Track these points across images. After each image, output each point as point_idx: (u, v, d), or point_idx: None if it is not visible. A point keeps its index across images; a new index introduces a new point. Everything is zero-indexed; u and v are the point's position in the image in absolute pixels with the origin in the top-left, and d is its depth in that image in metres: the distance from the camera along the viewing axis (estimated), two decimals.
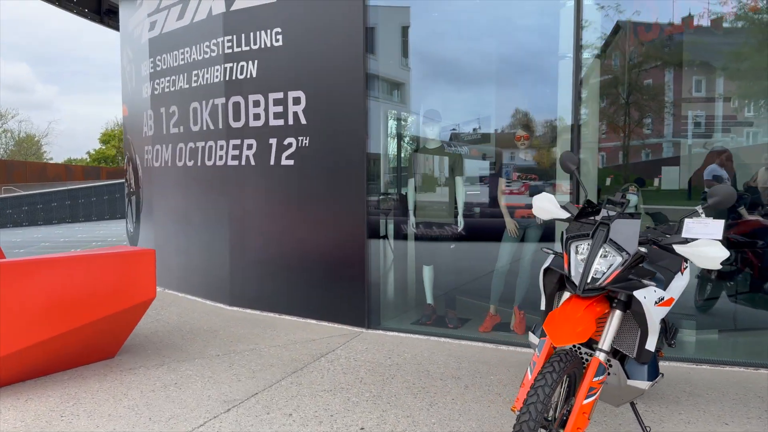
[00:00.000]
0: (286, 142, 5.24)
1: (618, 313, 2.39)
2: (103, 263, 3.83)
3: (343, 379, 3.74)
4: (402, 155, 5.76)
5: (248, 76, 5.44)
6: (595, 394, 2.26)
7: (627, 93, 5.48)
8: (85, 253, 3.84)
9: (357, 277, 4.95)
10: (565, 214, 2.63)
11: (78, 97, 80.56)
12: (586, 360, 2.50)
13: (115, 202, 21.65)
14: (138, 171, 7.71)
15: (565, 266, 2.42)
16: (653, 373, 2.54)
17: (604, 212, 2.47)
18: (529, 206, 4.80)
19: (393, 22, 5.41)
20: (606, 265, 2.33)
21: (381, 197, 5.35)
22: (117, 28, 12.78)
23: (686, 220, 2.41)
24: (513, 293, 4.83)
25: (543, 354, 2.39)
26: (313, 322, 5.21)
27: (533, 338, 2.79)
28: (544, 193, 2.72)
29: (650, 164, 5.74)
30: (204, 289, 6.17)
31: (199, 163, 6.03)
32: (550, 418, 2.25)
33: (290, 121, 5.19)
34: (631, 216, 2.42)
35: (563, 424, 2.28)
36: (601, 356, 2.32)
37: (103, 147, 45.79)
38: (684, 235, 2.38)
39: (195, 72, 6.01)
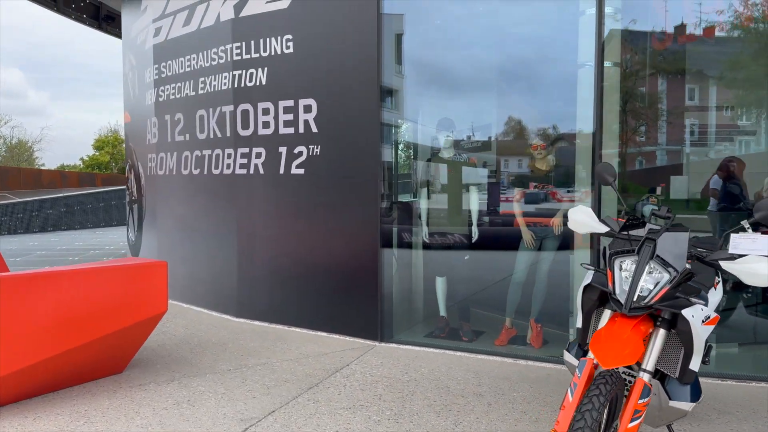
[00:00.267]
0: (296, 151, 5.13)
1: (662, 332, 2.30)
2: (113, 276, 3.70)
3: (361, 396, 3.62)
4: (399, 162, 5.63)
5: (257, 83, 5.34)
6: (640, 417, 2.18)
7: (648, 101, 5.44)
8: (94, 265, 3.71)
9: (370, 289, 4.83)
10: (604, 228, 2.54)
11: (70, 103, 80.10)
12: (628, 381, 2.40)
13: (111, 210, 21.41)
14: (140, 179, 7.58)
15: (609, 283, 2.32)
16: (696, 394, 2.44)
17: (649, 226, 2.38)
18: (545, 215, 4.74)
19: (390, 30, 5.28)
20: (652, 282, 2.24)
21: (392, 205, 5.25)
22: (116, 35, 12.71)
23: (732, 236, 2.32)
24: (528, 305, 4.73)
25: (585, 375, 2.29)
26: (324, 334, 5.09)
27: (569, 357, 2.68)
28: (580, 206, 2.62)
29: (658, 171, 5.69)
30: (210, 300, 6.04)
31: (205, 172, 5.91)
32: None
33: (301, 130, 5.09)
34: (679, 229, 2.33)
35: None
36: (645, 377, 2.24)
37: (97, 153, 45.45)
38: (731, 251, 2.29)
39: (202, 79, 5.91)
